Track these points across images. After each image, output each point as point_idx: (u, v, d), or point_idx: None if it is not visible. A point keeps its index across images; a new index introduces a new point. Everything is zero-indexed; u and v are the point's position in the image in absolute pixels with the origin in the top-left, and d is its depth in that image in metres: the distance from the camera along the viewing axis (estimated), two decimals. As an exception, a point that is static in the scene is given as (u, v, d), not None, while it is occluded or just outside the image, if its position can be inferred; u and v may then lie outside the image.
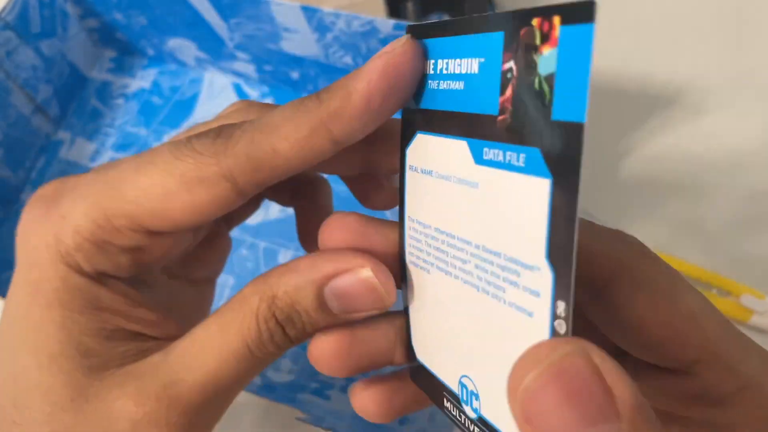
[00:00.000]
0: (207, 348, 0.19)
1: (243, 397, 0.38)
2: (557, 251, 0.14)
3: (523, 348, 0.15)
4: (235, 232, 0.42)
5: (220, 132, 0.19)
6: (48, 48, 0.44)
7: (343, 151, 0.19)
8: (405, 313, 0.21)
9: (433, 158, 0.19)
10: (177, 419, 0.19)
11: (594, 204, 0.41)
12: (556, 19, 0.14)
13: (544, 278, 0.15)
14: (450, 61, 0.17)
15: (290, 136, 0.18)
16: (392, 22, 0.36)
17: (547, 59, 0.14)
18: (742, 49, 0.47)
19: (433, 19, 0.49)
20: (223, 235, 0.28)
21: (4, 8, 0.40)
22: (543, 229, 0.15)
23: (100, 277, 0.20)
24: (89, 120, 0.47)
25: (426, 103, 0.18)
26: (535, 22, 0.14)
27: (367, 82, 0.18)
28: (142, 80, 0.48)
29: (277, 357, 0.20)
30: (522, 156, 0.15)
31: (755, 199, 0.42)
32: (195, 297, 0.27)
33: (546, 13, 0.14)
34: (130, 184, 0.19)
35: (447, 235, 0.18)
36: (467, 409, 0.18)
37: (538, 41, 0.14)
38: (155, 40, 0.46)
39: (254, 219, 0.43)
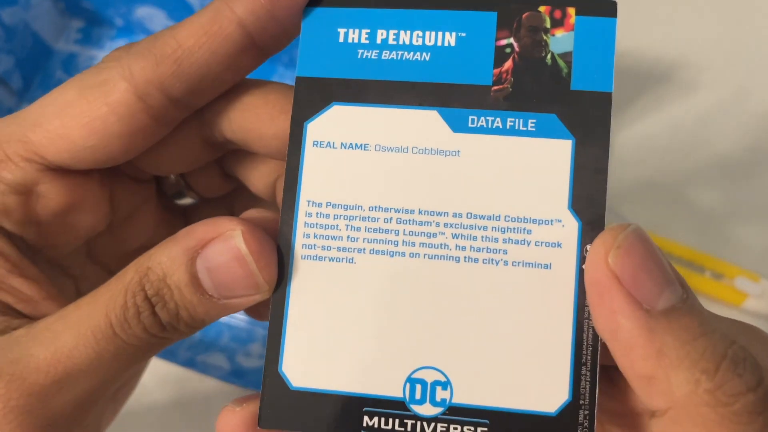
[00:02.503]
0: (68, 322, 0.17)
1: (212, 384, 0.37)
2: (584, 201, 0.17)
3: (536, 298, 0.17)
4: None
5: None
6: (9, 17, 0.42)
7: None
8: (275, 329, 0.17)
9: (371, 131, 0.18)
10: (18, 401, 0.16)
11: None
12: (571, 10, 0.17)
13: (567, 228, 0.17)
14: (401, 32, 0.18)
15: (193, 22, 0.17)
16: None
17: (560, 40, 0.17)
18: (736, 24, 0.46)
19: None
20: None
21: (-42, -28, 0.38)
22: (565, 184, 0.17)
23: None
24: (55, 93, 0.45)
25: (354, 73, 0.18)
26: (542, 8, 0.17)
27: None
28: (110, 52, 0.46)
29: (148, 349, 0.17)
30: (531, 121, 0.17)
31: (750, 177, 0.41)
32: None
33: (556, 2, 0.17)
34: (34, 106, 0.18)
35: (397, 211, 0.17)
36: (423, 408, 0.17)
37: (548, 24, 0.17)
38: (123, 9, 0.44)
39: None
